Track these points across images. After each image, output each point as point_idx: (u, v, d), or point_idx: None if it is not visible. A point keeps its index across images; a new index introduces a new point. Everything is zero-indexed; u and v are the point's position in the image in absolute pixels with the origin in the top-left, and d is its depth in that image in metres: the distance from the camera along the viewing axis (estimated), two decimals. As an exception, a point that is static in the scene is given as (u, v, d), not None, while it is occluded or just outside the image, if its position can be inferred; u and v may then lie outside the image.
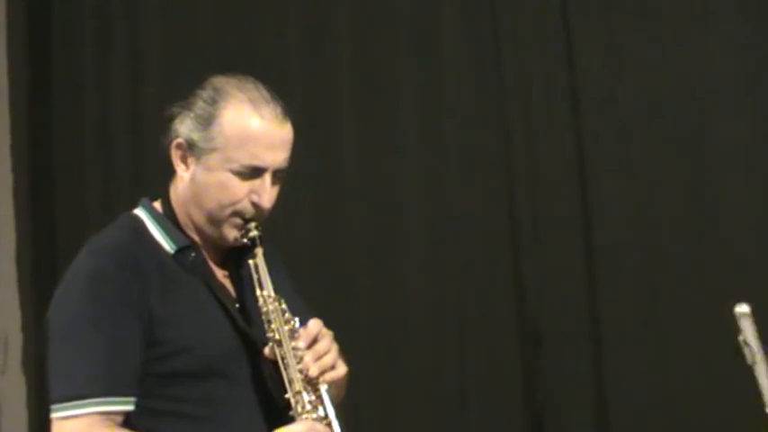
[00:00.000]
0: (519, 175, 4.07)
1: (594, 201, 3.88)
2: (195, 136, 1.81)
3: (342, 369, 1.82)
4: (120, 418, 1.71)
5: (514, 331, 4.12)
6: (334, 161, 4.61)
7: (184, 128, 1.83)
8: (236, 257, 1.90)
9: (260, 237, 1.83)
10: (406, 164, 4.40)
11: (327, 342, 1.79)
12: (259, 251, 1.83)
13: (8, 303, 6.00)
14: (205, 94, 1.83)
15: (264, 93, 1.83)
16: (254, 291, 1.84)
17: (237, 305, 1.87)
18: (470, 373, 4.23)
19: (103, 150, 5.38)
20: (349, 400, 3.90)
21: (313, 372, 1.73)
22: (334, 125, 4.60)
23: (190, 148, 1.82)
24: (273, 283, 1.83)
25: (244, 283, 1.89)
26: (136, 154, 4.74)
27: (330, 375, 1.77)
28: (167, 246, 1.85)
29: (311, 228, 4.60)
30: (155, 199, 1.95)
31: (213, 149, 1.79)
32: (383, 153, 4.47)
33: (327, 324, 1.94)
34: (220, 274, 1.91)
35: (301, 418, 1.69)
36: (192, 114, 1.82)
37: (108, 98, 5.33)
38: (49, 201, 5.86)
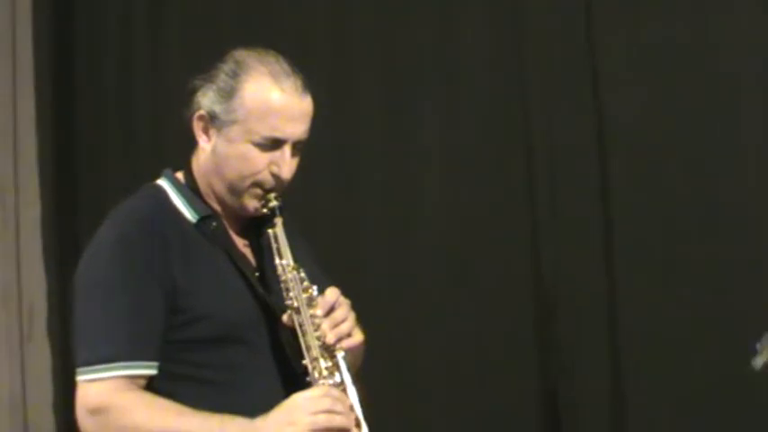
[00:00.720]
0: (537, 148, 4.10)
1: (612, 174, 3.89)
2: (217, 108, 1.85)
3: (358, 336, 1.85)
4: (142, 382, 1.76)
5: (530, 303, 4.16)
6: (355, 133, 4.65)
7: (206, 100, 1.86)
8: (256, 227, 1.94)
9: (280, 207, 1.87)
10: (426, 137, 4.43)
11: (344, 310, 1.83)
12: (279, 221, 1.87)
13: (33, 272, 6.09)
14: (227, 67, 1.87)
15: (285, 66, 1.86)
16: (273, 259, 1.88)
17: (257, 273, 1.91)
18: (486, 343, 4.27)
19: (125, 122, 5.43)
20: (366, 369, 3.96)
21: (330, 339, 1.77)
22: (356, 97, 4.63)
23: (211, 121, 1.86)
24: (292, 252, 1.86)
25: (264, 252, 1.93)
26: (157, 125, 4.78)
27: (347, 342, 1.81)
28: (189, 215, 1.90)
29: (330, 198, 4.65)
30: (177, 170, 1.99)
31: (234, 122, 1.83)
32: (404, 126, 4.50)
33: (345, 294, 1.98)
34: (241, 243, 1.96)
35: (318, 384, 1.73)
36: (214, 87, 1.86)
37: (130, 69, 5.39)
38: (73, 172, 5.94)
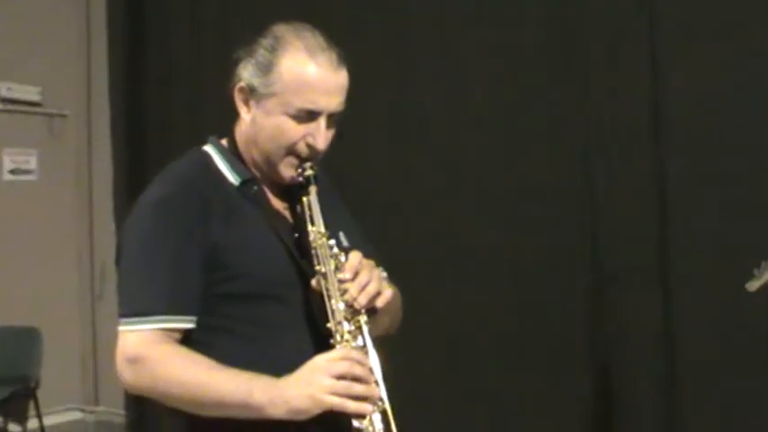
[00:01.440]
0: (594, 114, 4.13)
1: (668, 151, 3.91)
2: (256, 81, 1.93)
3: (387, 293, 1.90)
4: (178, 335, 1.86)
5: (587, 270, 4.19)
6: (410, 101, 4.72)
7: (246, 73, 1.96)
8: (295, 192, 2.02)
9: (314, 176, 1.96)
10: (483, 108, 4.48)
11: (368, 272, 1.88)
12: (312, 189, 1.95)
13: (105, 234, 6.30)
14: (266, 41, 1.95)
15: (321, 40, 1.94)
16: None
17: (296, 236, 1.99)
18: (539, 316, 4.32)
19: (191, 92, 5.58)
20: (417, 333, 4.06)
21: (361, 301, 1.85)
22: (410, 67, 4.69)
23: (251, 93, 1.95)
24: (324, 219, 1.95)
25: (300, 217, 2.01)
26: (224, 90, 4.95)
27: (380, 300, 1.88)
28: (232, 178, 2.00)
29: (387, 160, 4.73)
30: (222, 137, 2.09)
31: (272, 94, 1.91)
32: (459, 95, 4.56)
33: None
34: (281, 206, 2.05)
35: (340, 346, 1.81)
36: (253, 61, 1.95)
37: (200, 43, 5.51)
38: (143, 137, 6.11)
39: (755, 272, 2.38)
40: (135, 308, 1.86)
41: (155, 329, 1.84)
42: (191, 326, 1.88)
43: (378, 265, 2.06)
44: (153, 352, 1.82)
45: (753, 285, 2.36)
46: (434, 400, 4.58)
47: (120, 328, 1.87)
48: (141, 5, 6.25)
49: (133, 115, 6.36)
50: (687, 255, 3.85)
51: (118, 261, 1.96)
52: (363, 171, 4.72)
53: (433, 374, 4.64)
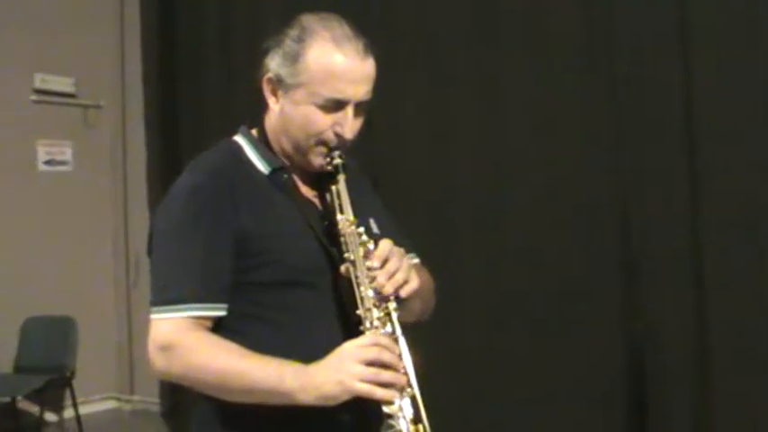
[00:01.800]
0: (624, 106, 4.11)
1: (699, 134, 3.90)
2: (283, 72, 1.94)
3: (414, 283, 1.89)
4: (209, 323, 1.89)
5: (616, 257, 4.19)
6: (447, 90, 4.72)
7: (274, 64, 1.97)
8: (325, 181, 2.03)
9: (343, 164, 1.97)
10: (517, 91, 4.48)
11: (397, 260, 1.88)
12: (341, 177, 1.96)
13: (140, 223, 6.36)
14: (293, 32, 1.96)
15: (347, 30, 1.94)
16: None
17: (326, 223, 2.00)
18: (573, 300, 4.32)
19: (222, 82, 5.61)
20: (453, 314, 4.05)
21: (388, 289, 1.84)
22: (448, 57, 4.69)
23: (279, 83, 1.96)
24: (355, 207, 1.95)
25: (329, 205, 2.02)
26: (253, 84, 4.99)
27: (405, 290, 1.88)
28: (262, 167, 2.02)
29: (427, 146, 4.74)
30: (252, 127, 2.11)
31: (299, 85, 1.92)
32: (493, 80, 4.56)
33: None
34: (310, 194, 2.06)
35: (370, 333, 1.82)
36: (280, 51, 1.96)
37: (231, 33, 5.54)
38: (176, 130, 6.15)
39: None
40: (166, 296, 1.88)
41: (186, 317, 1.86)
42: (221, 313, 1.90)
43: (409, 251, 2.08)
44: (184, 339, 1.84)
45: None
46: (466, 387, 4.60)
47: (152, 316, 1.89)
48: (174, 16, 6.30)
49: (166, 105, 6.40)
50: (718, 245, 3.83)
51: (150, 250, 1.98)
52: (401, 162, 4.76)
53: (468, 361, 4.66)
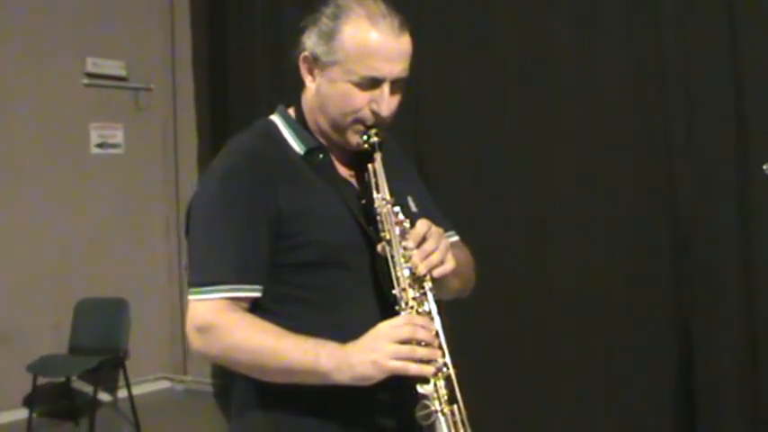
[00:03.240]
0: (672, 87, 4.06)
1: (749, 113, 3.87)
2: (319, 50, 1.93)
3: (449, 264, 1.87)
4: (246, 304, 1.89)
5: (665, 233, 4.15)
6: (491, 73, 4.70)
7: (310, 42, 1.96)
8: (362, 159, 2.01)
9: (379, 142, 1.95)
10: (563, 65, 4.45)
11: (434, 241, 1.86)
12: (378, 156, 1.95)
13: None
14: (329, 10, 1.94)
15: (382, 7, 1.92)
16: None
17: (363, 202, 1.99)
18: (620, 278, 4.29)
19: (272, 62, 5.61)
20: (503, 286, 4.03)
21: (421, 270, 1.83)
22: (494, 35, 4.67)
23: (315, 61, 1.95)
24: (392, 186, 1.94)
25: (366, 184, 2.00)
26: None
27: (438, 271, 1.85)
28: (297, 147, 2.01)
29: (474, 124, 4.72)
30: (289, 106, 2.10)
31: (335, 63, 1.91)
32: (541, 50, 4.54)
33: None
34: (347, 173, 2.05)
35: (405, 313, 1.81)
36: (316, 30, 1.94)
37: (280, 13, 5.54)
38: (226, 111, 6.19)
39: None
40: (204, 277, 1.89)
41: (223, 298, 1.86)
42: (258, 294, 1.90)
43: (447, 230, 2.07)
44: (221, 320, 1.85)
45: None
46: (513, 385, 4.61)
47: (190, 297, 1.90)
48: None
49: (216, 87, 6.44)
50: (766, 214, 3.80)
51: (187, 232, 1.99)
52: (448, 146, 4.78)
53: (512, 337, 4.65)
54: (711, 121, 3.93)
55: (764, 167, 2.39)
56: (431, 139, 4.74)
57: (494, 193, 4.71)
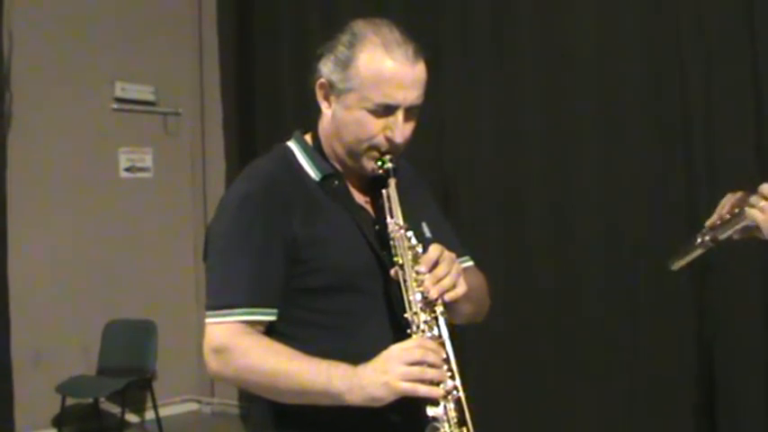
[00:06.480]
0: (693, 101, 4.06)
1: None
2: (335, 77, 1.97)
3: (461, 289, 1.90)
4: (261, 327, 1.92)
5: (686, 221, 4.14)
6: (512, 78, 4.73)
7: (326, 69, 2.00)
8: (377, 185, 2.04)
9: (393, 168, 1.98)
10: (583, 51, 4.48)
11: (446, 265, 1.89)
12: (392, 182, 1.97)
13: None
14: (344, 38, 1.98)
15: (398, 35, 1.95)
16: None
17: (377, 227, 2.02)
18: (642, 284, 4.29)
19: (298, 88, 5.65)
20: (529, 282, 4.02)
21: (432, 294, 1.86)
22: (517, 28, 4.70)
23: (331, 88, 1.99)
24: (406, 211, 1.96)
25: (380, 209, 2.03)
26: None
27: (450, 295, 1.88)
28: (313, 174, 2.04)
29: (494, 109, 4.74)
30: (306, 132, 2.14)
31: (350, 90, 1.95)
32: (562, 37, 4.57)
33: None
34: (362, 199, 2.08)
35: (416, 336, 1.84)
36: (332, 57, 1.99)
37: (306, 41, 5.59)
38: (254, 136, 6.24)
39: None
40: (220, 301, 1.93)
41: (238, 321, 1.90)
42: (273, 318, 1.94)
43: (461, 255, 2.09)
44: (236, 343, 1.89)
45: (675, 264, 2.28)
46: (536, 393, 4.60)
47: (207, 320, 1.94)
48: (251, 5, 6.38)
49: (244, 111, 6.50)
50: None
51: (205, 256, 2.03)
52: (474, 167, 4.79)
53: (534, 344, 4.66)
54: (729, 122, 3.94)
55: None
56: (456, 163, 4.76)
57: (516, 204, 4.74)
